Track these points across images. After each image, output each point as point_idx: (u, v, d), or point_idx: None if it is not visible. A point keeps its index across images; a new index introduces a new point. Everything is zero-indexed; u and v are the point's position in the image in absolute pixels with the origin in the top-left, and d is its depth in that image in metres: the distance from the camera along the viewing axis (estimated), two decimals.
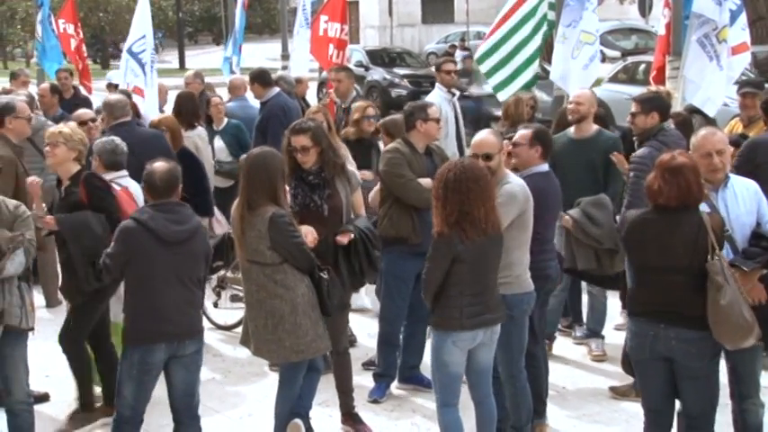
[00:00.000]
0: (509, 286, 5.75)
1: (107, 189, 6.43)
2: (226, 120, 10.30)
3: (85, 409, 6.72)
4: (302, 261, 5.79)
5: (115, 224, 5.81)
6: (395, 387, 7.28)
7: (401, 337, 7.26)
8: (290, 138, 6.30)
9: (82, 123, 7.78)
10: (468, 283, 5.41)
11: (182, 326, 5.53)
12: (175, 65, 46.65)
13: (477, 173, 5.39)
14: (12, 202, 5.76)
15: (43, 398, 7.00)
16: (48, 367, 7.39)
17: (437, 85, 9.81)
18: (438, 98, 9.44)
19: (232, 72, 16.76)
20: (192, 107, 9.41)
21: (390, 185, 6.89)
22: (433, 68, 14.46)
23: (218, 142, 10.09)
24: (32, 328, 5.79)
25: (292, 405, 6.11)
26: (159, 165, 5.63)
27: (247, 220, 5.71)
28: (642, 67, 17.84)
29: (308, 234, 5.97)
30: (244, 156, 6.22)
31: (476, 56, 11.58)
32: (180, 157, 7.65)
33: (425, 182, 6.68)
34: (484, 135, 5.96)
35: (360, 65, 27.29)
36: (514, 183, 5.85)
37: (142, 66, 10.69)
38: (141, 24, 10.88)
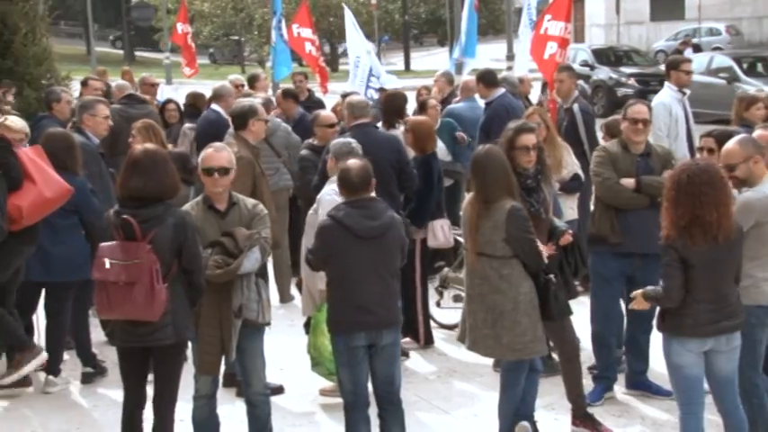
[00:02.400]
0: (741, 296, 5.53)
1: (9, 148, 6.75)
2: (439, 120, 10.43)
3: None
4: (532, 259, 5.83)
5: (13, 183, 6.28)
6: (622, 392, 7.15)
7: (619, 340, 7.17)
8: (513, 137, 6.30)
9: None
10: (701, 289, 5.24)
11: (380, 316, 5.72)
12: (400, 67, 47.48)
13: (712, 175, 5.20)
14: (250, 201, 6.02)
15: (278, 390, 7.30)
16: (282, 361, 7.68)
17: (667, 84, 9.54)
18: (668, 97, 9.22)
19: (458, 74, 16.89)
20: (396, 108, 9.45)
21: (593, 183, 6.93)
22: (662, 67, 14.03)
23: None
24: (269, 323, 6.04)
25: (516, 407, 6.12)
26: (354, 162, 5.87)
27: (483, 213, 5.79)
28: None
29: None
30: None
31: None
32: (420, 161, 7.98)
33: (626, 182, 6.67)
34: (728, 145, 5.75)
35: (585, 64, 26.92)
36: (755, 192, 5.61)
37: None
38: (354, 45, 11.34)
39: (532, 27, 14.71)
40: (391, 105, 9.05)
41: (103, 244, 5.40)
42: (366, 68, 12.43)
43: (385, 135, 8.37)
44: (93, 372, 7.64)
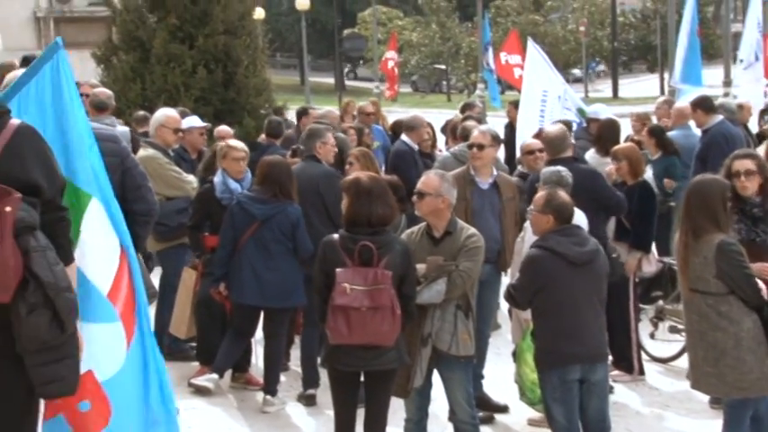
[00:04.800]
0: None
1: None
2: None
3: None
4: (751, 294, 5.56)
5: None
6: None
7: None
8: (729, 164, 6.11)
9: None
10: None
11: (592, 348, 5.66)
12: (608, 94, 46.71)
13: None
14: (468, 231, 6.06)
15: (502, 409, 7.31)
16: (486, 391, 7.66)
17: None
18: None
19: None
20: (612, 135, 9.32)
21: None
22: None
23: (647, 172, 9.96)
24: (467, 356, 6.02)
25: None
26: (563, 193, 5.89)
27: (692, 247, 5.61)
28: None
29: (765, 271, 5.74)
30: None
31: None
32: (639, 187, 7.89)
33: None
34: None
35: None
36: None
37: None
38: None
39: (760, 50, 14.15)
40: (607, 133, 8.98)
41: (340, 270, 5.47)
42: (555, 103, 12.28)
43: (587, 169, 8.18)
44: (315, 394, 7.68)
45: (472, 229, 6.11)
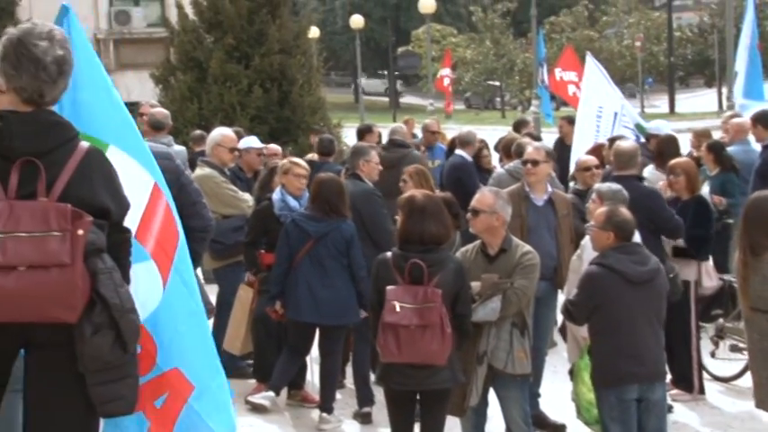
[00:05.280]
0: None
1: None
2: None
3: None
4: None
5: None
6: None
7: None
8: None
9: None
10: None
11: (651, 367, 5.60)
12: (664, 109, 46.27)
13: None
14: (523, 249, 6.04)
15: (560, 428, 7.24)
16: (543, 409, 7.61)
17: None
18: None
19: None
20: (673, 150, 9.22)
21: None
22: None
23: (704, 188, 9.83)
24: (523, 374, 5.99)
25: None
26: (624, 210, 5.80)
27: (751, 265, 5.53)
28: None
29: None
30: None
31: None
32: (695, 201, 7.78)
33: None
34: None
35: None
36: None
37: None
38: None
39: None
40: (668, 149, 8.96)
41: (390, 287, 5.47)
42: (609, 119, 12.18)
43: (645, 190, 8.07)
44: (371, 412, 7.66)
45: (527, 247, 6.08)
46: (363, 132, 12.15)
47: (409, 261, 5.46)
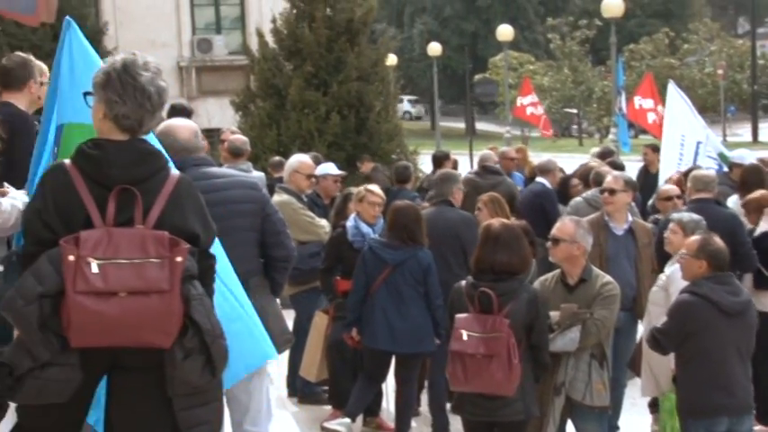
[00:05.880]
0: None
1: None
2: None
3: None
4: None
5: None
6: None
7: None
8: None
9: None
10: None
11: (740, 400, 5.52)
12: (747, 138, 45.42)
13: None
14: (604, 279, 5.97)
15: None
16: None
17: None
18: None
19: None
20: (757, 180, 9.03)
21: None
22: None
23: None
24: (601, 407, 5.91)
25: None
26: (718, 239, 5.72)
27: None
28: None
29: None
30: None
31: None
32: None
33: None
34: None
35: None
36: None
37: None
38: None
39: None
40: (752, 178, 8.83)
41: (459, 315, 5.50)
42: (691, 148, 12.02)
43: (723, 214, 7.97)
44: None
45: (608, 277, 6.01)
46: (440, 159, 12.17)
47: (479, 290, 5.44)
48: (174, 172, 3.74)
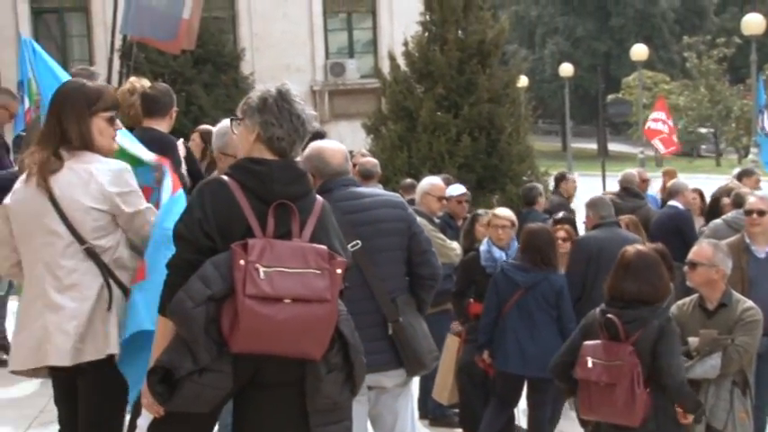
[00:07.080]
0: None
1: None
2: None
3: None
4: None
5: None
6: None
7: None
8: None
9: None
10: None
11: None
12: None
13: None
14: (745, 305, 5.80)
15: None
16: None
17: None
18: None
19: None
20: None
21: None
22: None
23: None
24: None
25: None
26: None
27: None
28: None
29: None
30: None
31: None
32: None
33: None
34: None
35: None
36: None
37: None
38: None
39: None
40: None
41: (587, 342, 5.43)
42: None
43: None
44: None
45: (749, 302, 5.82)
46: (559, 181, 12.37)
47: (605, 317, 5.35)
48: (319, 198, 3.89)
